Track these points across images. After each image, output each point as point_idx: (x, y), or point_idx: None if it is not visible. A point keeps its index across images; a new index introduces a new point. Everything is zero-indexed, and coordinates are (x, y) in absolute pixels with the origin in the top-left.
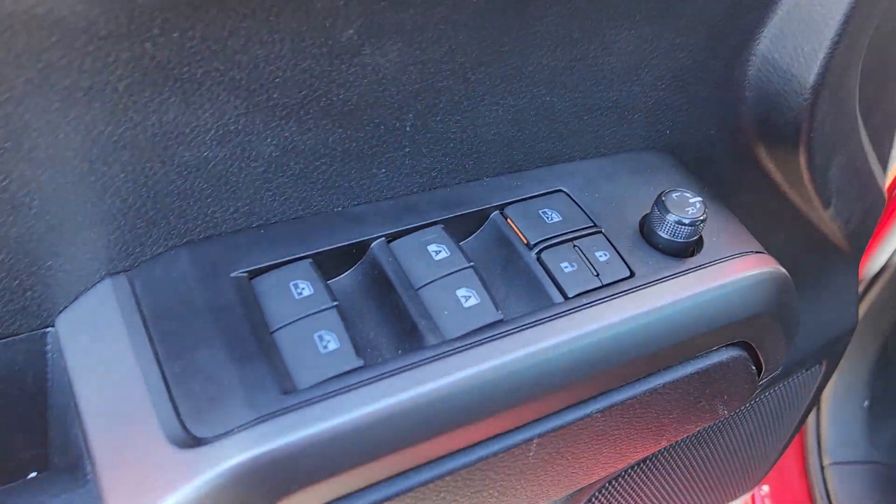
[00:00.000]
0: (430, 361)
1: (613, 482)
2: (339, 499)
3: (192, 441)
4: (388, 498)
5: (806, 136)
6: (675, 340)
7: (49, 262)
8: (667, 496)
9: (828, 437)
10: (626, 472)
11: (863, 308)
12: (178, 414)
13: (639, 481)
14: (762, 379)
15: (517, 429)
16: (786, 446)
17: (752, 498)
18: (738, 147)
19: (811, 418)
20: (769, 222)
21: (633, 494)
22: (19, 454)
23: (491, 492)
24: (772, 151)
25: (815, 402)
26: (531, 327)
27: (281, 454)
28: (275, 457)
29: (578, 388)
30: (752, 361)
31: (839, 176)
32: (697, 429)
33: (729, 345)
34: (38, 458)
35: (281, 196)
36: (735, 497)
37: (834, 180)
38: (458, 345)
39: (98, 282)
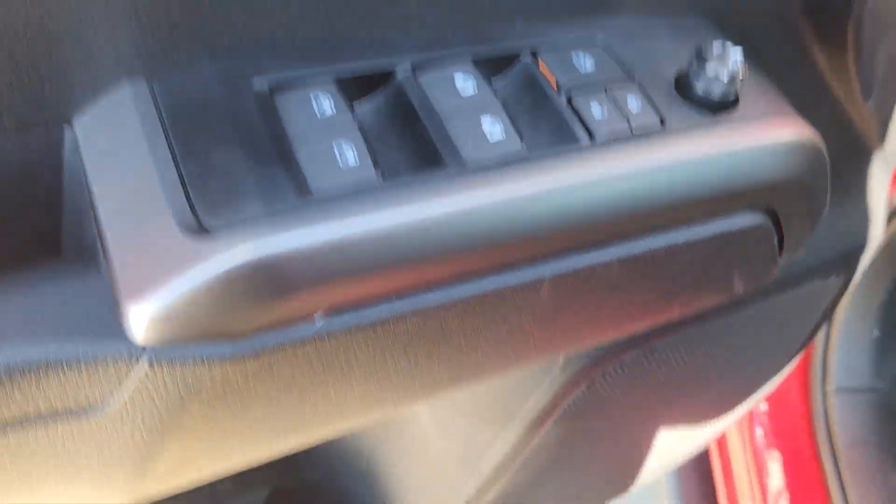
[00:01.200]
0: (450, 182)
1: (611, 371)
2: (343, 306)
3: (202, 229)
4: (394, 316)
5: (858, 9)
6: (700, 193)
7: (68, 54)
8: (665, 396)
9: (834, 362)
10: (624, 363)
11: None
12: (191, 205)
13: (636, 375)
14: (783, 256)
15: (531, 266)
16: (790, 360)
17: (751, 415)
18: (784, 22)
19: (819, 343)
20: (806, 112)
21: (630, 388)
22: (34, 245)
23: (499, 329)
24: (818, 28)
25: (826, 318)
26: (555, 163)
27: (290, 250)
28: (284, 251)
29: (597, 231)
30: (774, 233)
31: (885, 63)
32: (711, 304)
33: (753, 209)
34: (51, 249)
35: (311, 8)
36: (732, 408)
37: (879, 66)
38: (479, 171)
39: (117, 82)
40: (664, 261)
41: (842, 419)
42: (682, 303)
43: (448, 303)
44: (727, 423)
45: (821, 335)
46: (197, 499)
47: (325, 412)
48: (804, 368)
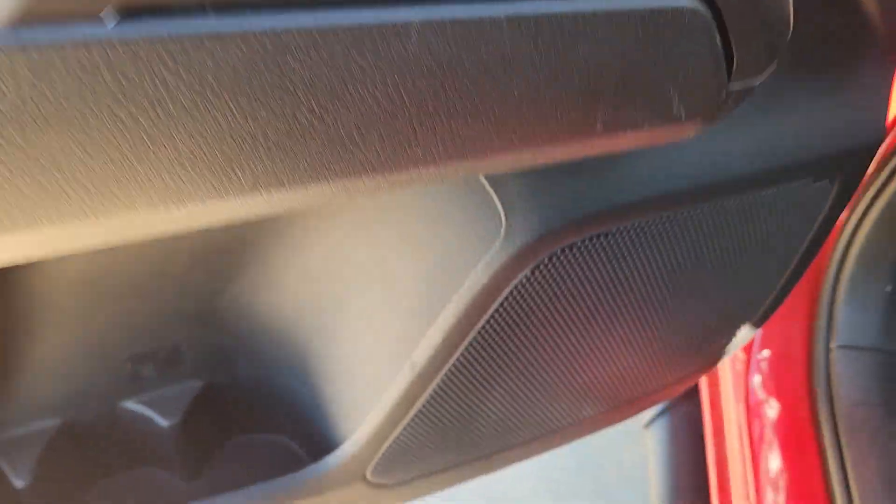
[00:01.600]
0: None
1: (560, 256)
2: (140, 6)
3: None
4: (210, 36)
5: None
6: None
7: None
8: (631, 301)
9: (840, 317)
10: (575, 247)
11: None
12: None
13: (593, 265)
14: (734, 80)
15: (391, 3)
16: (779, 283)
17: (748, 358)
18: None
19: (825, 296)
20: None
21: (587, 283)
22: None
23: (361, 95)
24: None
25: (821, 234)
26: None
27: None
28: None
29: None
30: (717, 33)
31: None
32: (646, 131)
33: None
34: None
35: None
36: (713, 334)
37: None
38: None
39: None
40: (571, 37)
41: (845, 377)
42: (606, 117)
43: (282, 32)
44: (715, 358)
45: (828, 287)
46: (119, 384)
47: (138, 174)
48: (808, 321)
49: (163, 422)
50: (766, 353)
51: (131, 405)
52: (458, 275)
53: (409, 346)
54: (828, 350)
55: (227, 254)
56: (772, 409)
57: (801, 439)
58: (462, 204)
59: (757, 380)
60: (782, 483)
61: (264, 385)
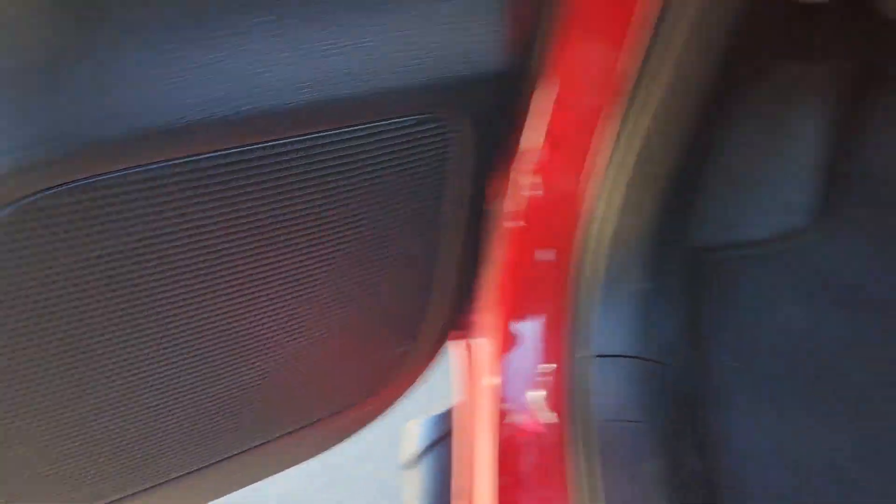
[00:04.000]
0: None
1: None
2: None
3: None
4: None
5: None
6: None
7: None
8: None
9: (594, 322)
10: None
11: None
12: None
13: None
14: None
15: None
16: (453, 270)
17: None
18: None
19: (579, 301)
20: None
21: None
22: None
23: None
24: None
25: (471, 200)
26: None
27: None
28: None
29: None
30: None
31: None
32: None
33: None
34: None
35: None
36: (389, 338)
37: None
38: None
39: None
40: None
41: (601, 391)
42: None
43: None
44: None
45: (582, 286)
46: None
47: None
48: (561, 327)
49: None
50: (522, 367)
51: None
52: None
53: None
54: (585, 360)
55: None
56: (523, 433)
57: (550, 468)
58: None
59: (513, 398)
60: None
61: None
